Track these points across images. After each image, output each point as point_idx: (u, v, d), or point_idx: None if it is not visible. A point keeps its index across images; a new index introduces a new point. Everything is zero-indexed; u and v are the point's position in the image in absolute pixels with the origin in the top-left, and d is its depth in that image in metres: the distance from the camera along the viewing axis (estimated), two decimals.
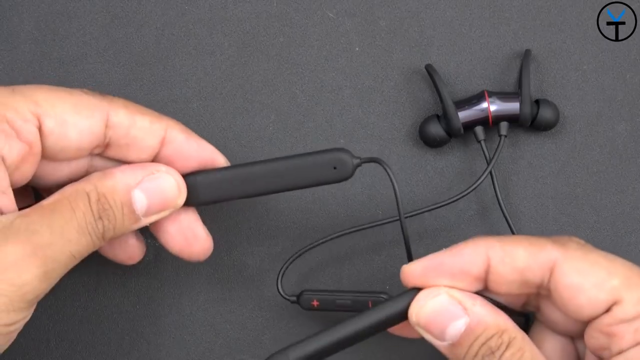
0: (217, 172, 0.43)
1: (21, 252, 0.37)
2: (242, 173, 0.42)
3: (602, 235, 0.49)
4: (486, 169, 0.47)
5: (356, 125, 0.49)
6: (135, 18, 0.50)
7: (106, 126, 0.41)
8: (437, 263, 0.39)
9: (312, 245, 0.47)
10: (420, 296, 0.39)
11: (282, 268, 0.46)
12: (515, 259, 0.38)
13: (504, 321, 0.38)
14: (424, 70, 0.49)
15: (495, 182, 0.48)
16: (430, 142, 0.48)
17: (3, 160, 0.38)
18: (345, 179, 0.42)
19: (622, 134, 0.49)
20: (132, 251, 0.44)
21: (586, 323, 0.39)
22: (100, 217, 0.39)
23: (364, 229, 0.47)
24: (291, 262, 0.46)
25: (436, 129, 0.48)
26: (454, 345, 0.38)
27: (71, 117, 0.40)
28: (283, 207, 0.49)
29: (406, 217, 0.43)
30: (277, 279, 0.46)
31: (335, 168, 0.42)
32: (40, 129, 0.39)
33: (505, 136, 0.48)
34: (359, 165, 0.42)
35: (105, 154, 0.42)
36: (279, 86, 0.49)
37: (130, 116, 0.41)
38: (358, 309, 0.44)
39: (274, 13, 0.50)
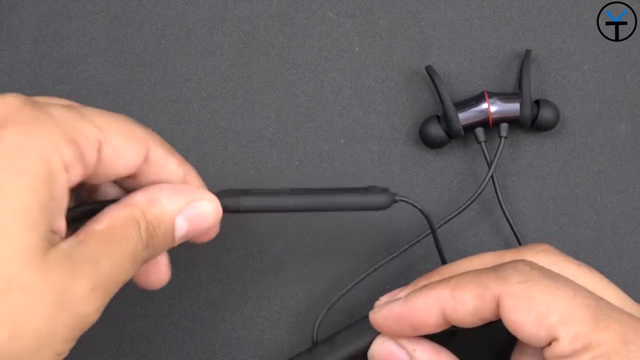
0: (256, 197, 0.41)
1: (87, 286, 0.35)
2: (278, 202, 0.41)
3: (602, 235, 0.49)
4: (487, 173, 0.47)
5: (356, 125, 0.49)
6: (135, 18, 0.50)
7: (145, 160, 0.39)
8: (397, 316, 0.41)
9: (347, 289, 0.46)
10: (375, 340, 0.42)
11: (317, 319, 0.45)
12: (465, 305, 0.39)
13: None
14: (424, 70, 0.49)
15: (496, 183, 0.48)
16: (430, 143, 0.48)
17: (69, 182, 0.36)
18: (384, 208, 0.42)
19: (622, 134, 0.49)
20: (164, 273, 0.42)
21: None
22: (147, 245, 0.38)
23: (391, 259, 0.47)
24: (327, 311, 0.45)
25: (436, 130, 0.48)
26: None
27: (124, 148, 0.38)
28: None
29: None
30: (313, 330, 0.45)
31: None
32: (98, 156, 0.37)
33: (506, 137, 0.48)
34: (396, 201, 0.42)
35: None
36: (279, 86, 0.49)
37: (164, 156, 0.39)
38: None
39: (274, 13, 0.50)
